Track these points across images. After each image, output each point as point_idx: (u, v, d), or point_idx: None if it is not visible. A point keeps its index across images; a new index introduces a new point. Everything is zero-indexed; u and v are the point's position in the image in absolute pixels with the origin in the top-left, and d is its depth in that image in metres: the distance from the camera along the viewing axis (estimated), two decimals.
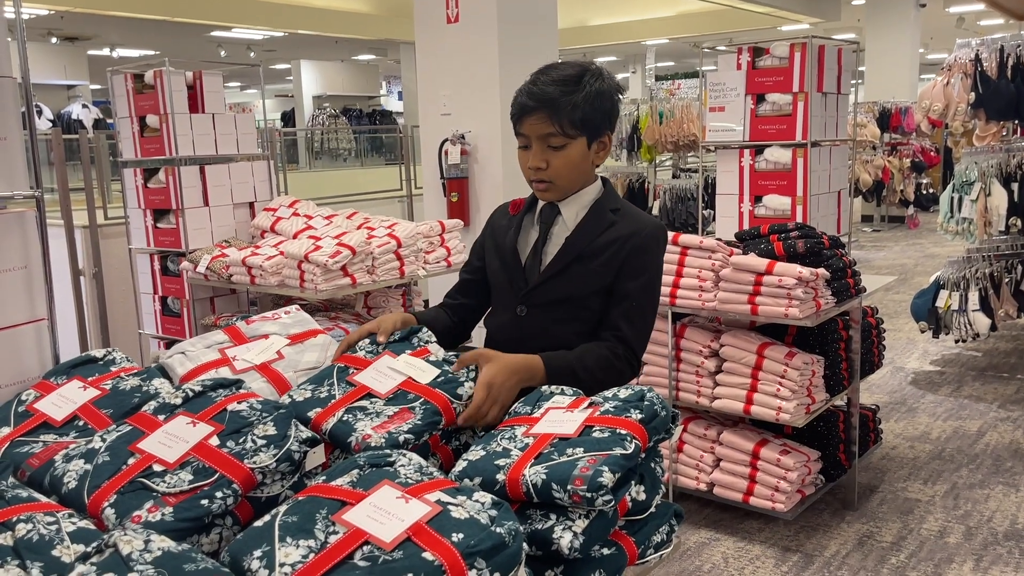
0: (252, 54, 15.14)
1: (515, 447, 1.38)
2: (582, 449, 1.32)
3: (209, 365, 1.69)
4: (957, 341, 5.43)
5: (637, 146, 7.88)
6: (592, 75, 1.76)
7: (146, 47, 14.51)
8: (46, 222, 1.77)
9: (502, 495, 1.28)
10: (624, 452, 1.31)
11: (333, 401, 1.50)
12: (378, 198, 7.52)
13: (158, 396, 1.49)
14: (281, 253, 3.96)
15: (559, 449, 1.34)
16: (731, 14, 12.33)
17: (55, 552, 1.08)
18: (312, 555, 1.07)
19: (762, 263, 3.17)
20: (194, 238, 4.41)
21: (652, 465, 1.41)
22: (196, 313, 4.49)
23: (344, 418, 1.45)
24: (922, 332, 5.48)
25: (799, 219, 4.12)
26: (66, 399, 1.55)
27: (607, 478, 1.24)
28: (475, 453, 1.39)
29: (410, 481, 1.21)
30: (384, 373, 1.55)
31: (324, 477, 1.25)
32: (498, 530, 1.11)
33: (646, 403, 1.42)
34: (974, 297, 5.10)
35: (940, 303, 5.24)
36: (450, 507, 1.15)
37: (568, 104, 1.72)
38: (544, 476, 1.27)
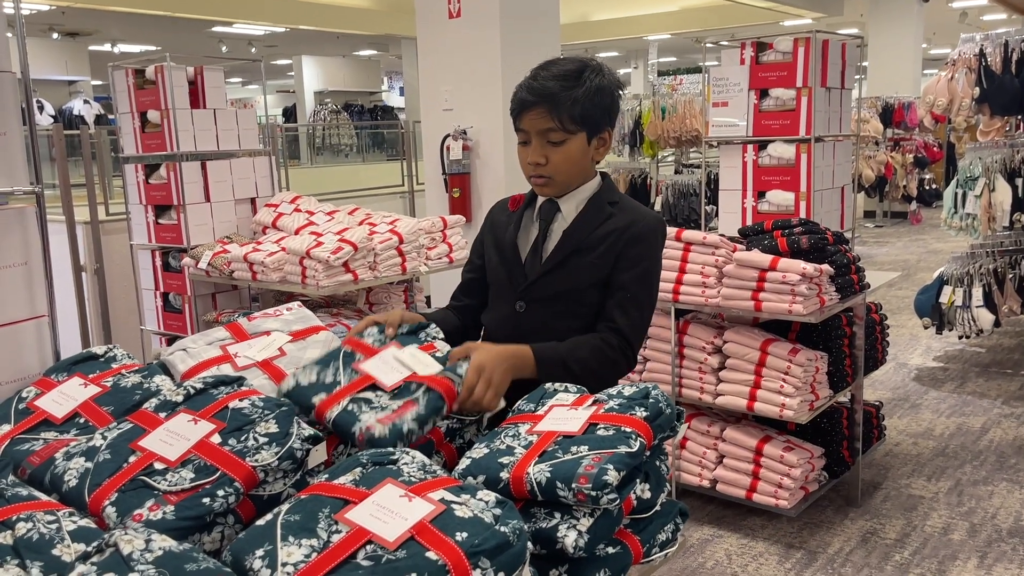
0: (253, 50, 15.11)
1: (519, 445, 1.37)
2: (587, 447, 1.31)
3: (211, 362, 1.68)
4: (961, 337, 5.42)
5: (639, 141, 7.86)
6: (592, 70, 1.75)
7: (147, 43, 14.48)
8: (46, 218, 1.76)
9: (506, 493, 1.27)
10: (629, 450, 1.30)
11: (338, 388, 1.47)
12: (380, 194, 7.51)
13: (159, 393, 1.47)
14: (283, 249, 3.94)
15: (563, 447, 1.33)
16: (733, 9, 12.29)
17: (55, 551, 1.07)
18: (315, 554, 1.06)
19: (766, 259, 3.16)
20: (195, 234, 4.39)
21: (657, 463, 1.40)
22: (198, 309, 4.49)
23: (349, 408, 1.43)
24: (925, 328, 5.46)
25: (802, 215, 4.11)
26: (67, 396, 1.54)
27: (612, 476, 1.23)
28: (479, 451, 1.38)
29: (413, 479, 1.20)
30: (390, 364, 1.53)
31: (326, 475, 1.24)
32: (502, 529, 1.10)
33: (651, 400, 1.41)
34: (978, 293, 5.08)
35: (944, 299, 5.23)
36: (454, 506, 1.14)
37: (568, 99, 1.71)
38: (548, 474, 1.26)
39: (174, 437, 1.33)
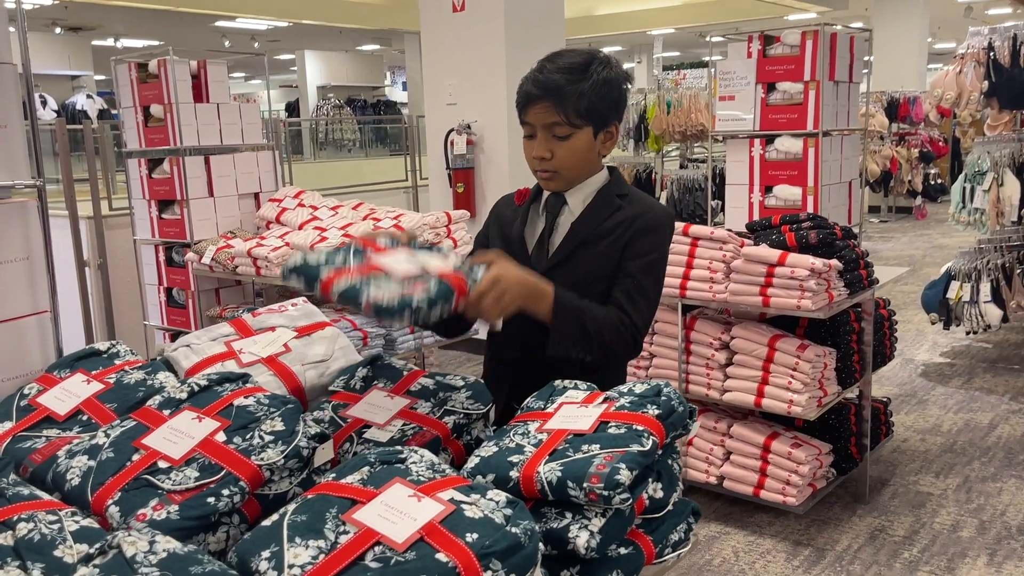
0: (256, 44, 15.08)
1: (529, 443, 1.34)
2: (598, 446, 1.28)
3: (215, 358, 1.65)
4: (968, 333, 5.38)
5: (644, 136, 7.82)
6: (600, 63, 1.72)
7: (150, 37, 14.45)
8: (48, 212, 1.73)
9: (516, 492, 1.25)
10: (641, 449, 1.27)
11: (348, 267, 1.42)
12: (383, 189, 7.49)
13: (163, 390, 1.45)
14: (287, 244, 3.92)
15: (574, 445, 1.30)
16: (738, 3, 12.24)
17: (57, 552, 1.05)
18: (322, 556, 1.04)
19: (774, 254, 3.13)
20: (199, 229, 4.37)
21: (669, 462, 1.38)
22: (201, 304, 4.47)
23: (356, 283, 1.38)
24: (932, 324, 5.43)
25: (810, 210, 4.07)
26: (69, 393, 1.52)
27: (624, 476, 1.21)
28: (487, 449, 1.36)
29: (422, 479, 1.18)
30: (401, 259, 1.47)
31: (333, 474, 1.21)
32: (513, 530, 1.08)
33: (663, 398, 1.38)
34: (986, 288, 5.05)
35: (951, 294, 5.19)
36: (464, 506, 1.12)
37: (574, 93, 1.68)
38: (559, 473, 1.23)
39: (178, 435, 1.31)
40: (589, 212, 1.78)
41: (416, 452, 1.25)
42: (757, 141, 4.19)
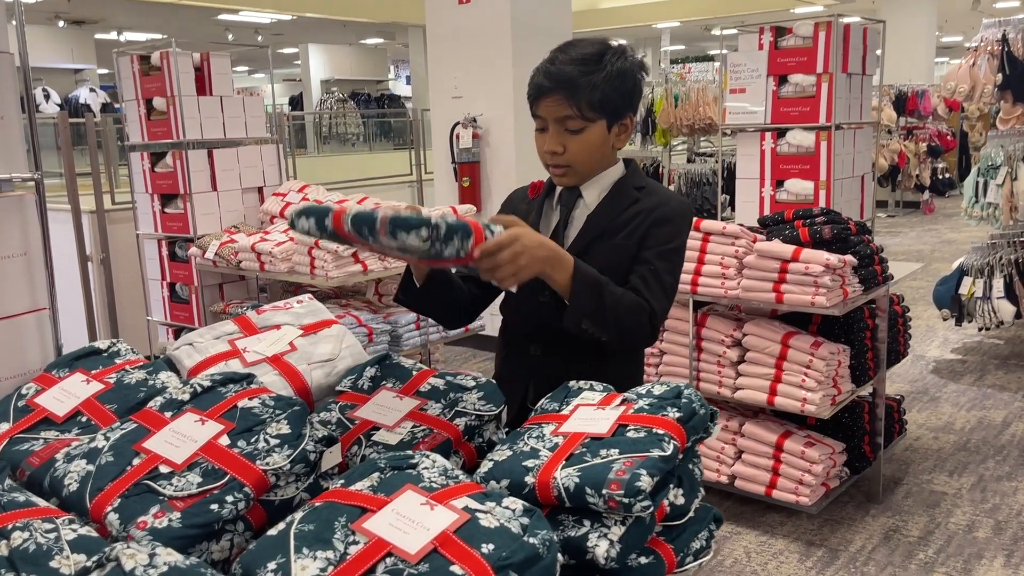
0: (260, 38, 15.02)
1: (544, 447, 1.29)
2: (617, 450, 1.23)
3: (218, 357, 1.60)
4: (980, 329, 5.32)
5: (651, 130, 7.75)
6: (614, 53, 1.66)
7: (153, 31, 14.40)
8: (46, 206, 1.68)
9: (531, 499, 1.20)
10: (662, 454, 1.22)
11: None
12: (388, 183, 7.44)
13: (165, 391, 1.40)
14: (291, 239, 3.87)
15: (592, 450, 1.25)
16: None
17: (53, 563, 1.00)
18: (331, 568, 0.99)
19: (788, 250, 3.07)
20: (202, 223, 4.33)
21: (690, 467, 1.32)
22: (205, 300, 4.42)
23: (368, 208, 1.30)
24: (944, 320, 5.36)
25: (822, 204, 4.01)
26: (68, 393, 1.47)
27: (645, 482, 1.15)
28: (501, 453, 1.31)
29: (435, 485, 1.13)
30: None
31: (342, 480, 1.16)
32: (531, 540, 1.03)
33: (683, 400, 1.33)
34: (999, 284, 4.98)
35: (963, 290, 5.13)
36: (479, 514, 1.07)
37: (587, 85, 1.62)
38: (577, 479, 1.18)
39: (180, 438, 1.26)
40: (605, 205, 1.73)
41: (428, 457, 1.20)
42: (768, 134, 4.12)
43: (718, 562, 3.09)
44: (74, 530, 1.09)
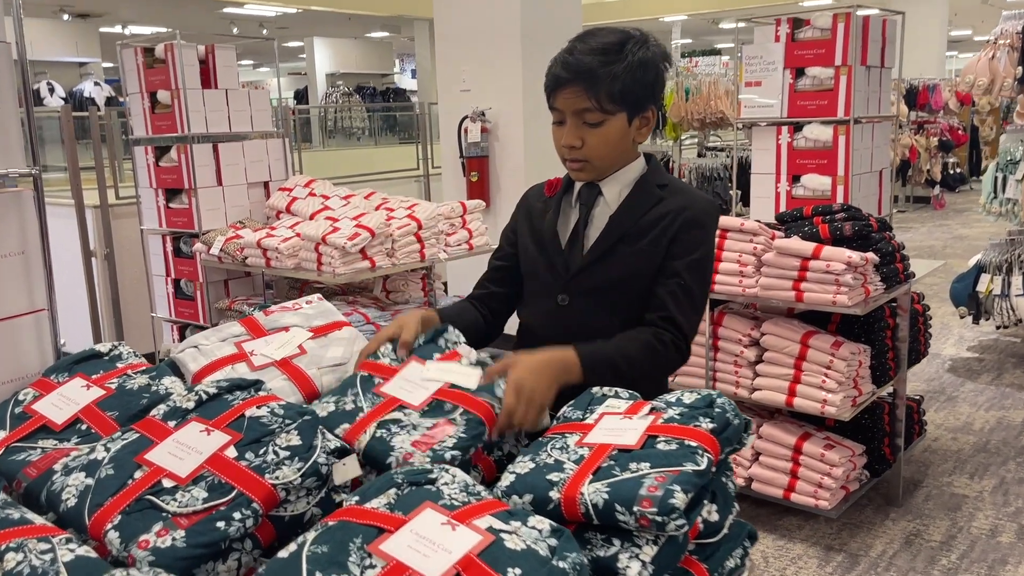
0: (265, 31, 14.94)
1: (569, 459, 1.22)
2: (648, 464, 1.16)
3: (224, 361, 1.53)
4: (998, 327, 5.22)
5: (662, 124, 7.66)
6: (636, 42, 1.58)
7: (158, 24, 14.32)
8: (44, 203, 1.61)
9: (556, 515, 1.12)
10: (696, 468, 1.14)
11: (362, 415, 1.33)
12: (394, 178, 7.36)
13: (168, 398, 1.33)
14: (298, 235, 3.80)
15: (621, 463, 1.17)
16: None
17: None
18: None
19: (808, 247, 2.99)
20: (207, 219, 4.26)
21: (724, 480, 1.25)
22: (209, 296, 4.36)
23: (378, 434, 1.28)
24: (962, 317, 5.27)
25: (840, 199, 3.92)
26: (67, 399, 1.40)
27: (679, 499, 1.08)
28: (523, 465, 1.23)
29: (456, 503, 1.06)
30: (414, 383, 1.38)
31: (357, 497, 1.09)
32: (561, 564, 0.96)
33: (716, 410, 1.25)
34: (1017, 281, 4.89)
35: (981, 287, 5.04)
36: (503, 535, 1.00)
37: (607, 76, 1.55)
38: (606, 495, 1.11)
39: (185, 450, 1.19)
40: (628, 204, 1.66)
41: (447, 471, 1.13)
42: (785, 128, 4.03)
43: None
44: (71, 550, 1.02)
